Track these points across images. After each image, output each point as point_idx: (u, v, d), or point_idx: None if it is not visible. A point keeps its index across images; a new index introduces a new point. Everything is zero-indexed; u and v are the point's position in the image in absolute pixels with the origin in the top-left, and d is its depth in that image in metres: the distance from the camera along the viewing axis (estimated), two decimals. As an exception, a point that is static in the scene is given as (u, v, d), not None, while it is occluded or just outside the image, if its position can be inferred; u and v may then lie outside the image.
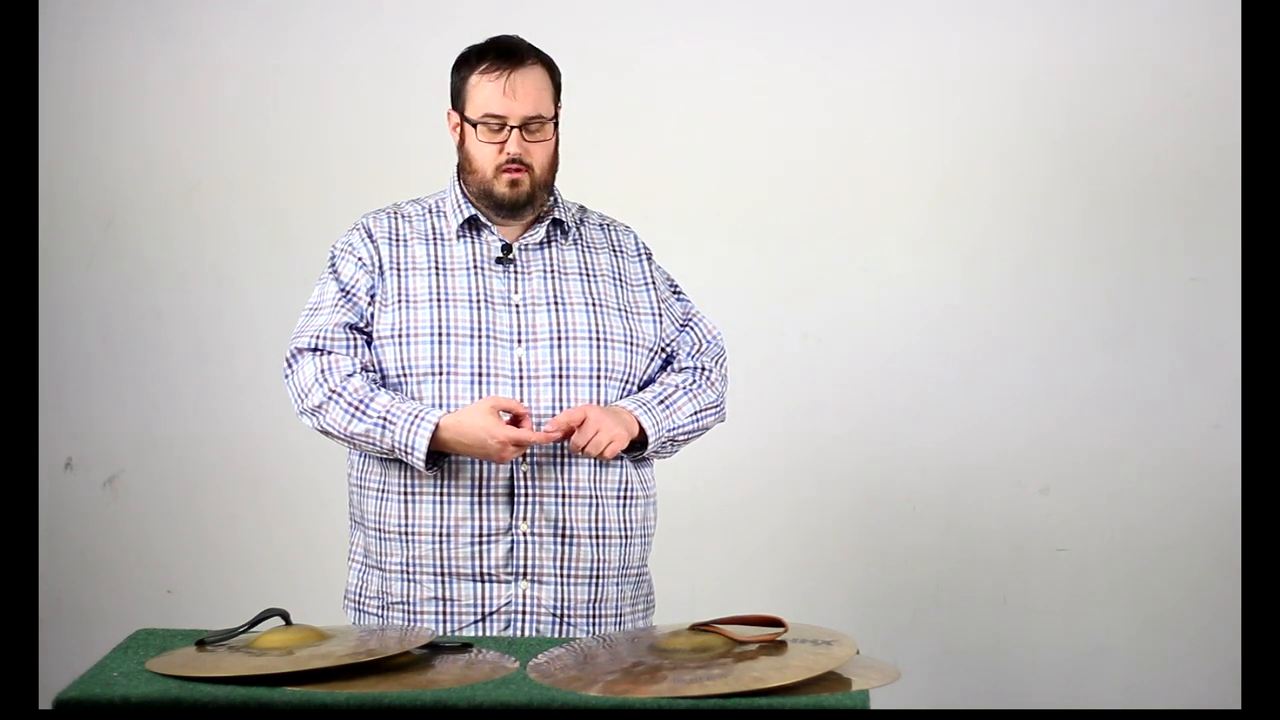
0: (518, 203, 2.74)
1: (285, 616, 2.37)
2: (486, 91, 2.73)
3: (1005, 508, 3.88)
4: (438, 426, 2.62)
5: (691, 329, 2.86)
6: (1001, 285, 3.87)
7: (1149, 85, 3.83)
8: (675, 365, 2.84)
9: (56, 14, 3.89)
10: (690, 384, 2.80)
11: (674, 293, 2.88)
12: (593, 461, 2.71)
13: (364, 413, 2.66)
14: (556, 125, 2.77)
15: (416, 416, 2.64)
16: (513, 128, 2.71)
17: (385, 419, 2.65)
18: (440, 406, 2.67)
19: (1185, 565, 3.85)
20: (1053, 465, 3.87)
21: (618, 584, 2.75)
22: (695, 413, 2.80)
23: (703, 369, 2.83)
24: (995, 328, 3.87)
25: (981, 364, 3.87)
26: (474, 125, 2.73)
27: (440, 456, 2.67)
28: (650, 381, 2.82)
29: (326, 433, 2.71)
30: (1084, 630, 3.87)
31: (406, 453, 2.63)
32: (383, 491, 2.73)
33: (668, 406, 2.76)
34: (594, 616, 2.72)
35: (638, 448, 2.73)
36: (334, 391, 2.68)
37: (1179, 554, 3.86)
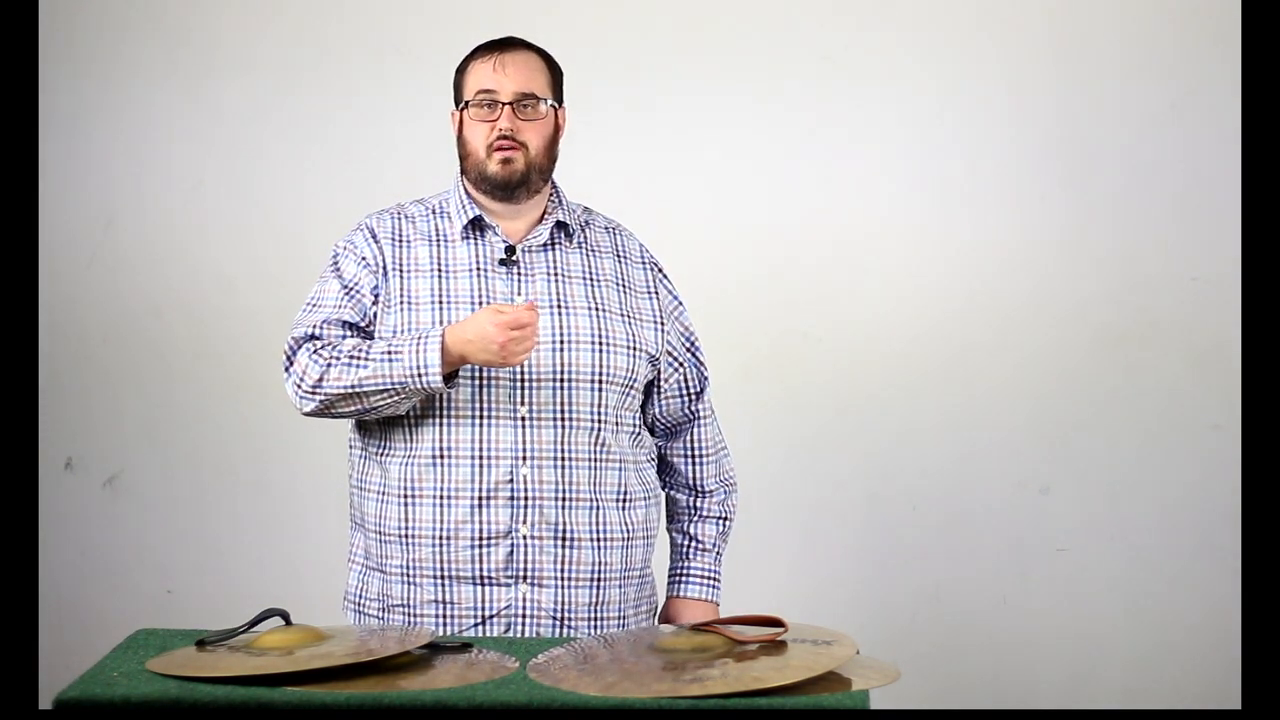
0: (510, 182, 2.72)
1: (285, 616, 2.37)
2: (478, 73, 2.74)
3: (1005, 508, 3.88)
4: (444, 337, 2.58)
5: (695, 356, 2.87)
6: (1001, 285, 3.87)
7: (1149, 85, 3.83)
8: (702, 437, 2.87)
9: (56, 15, 3.89)
10: (725, 504, 2.89)
11: (678, 306, 2.88)
12: (592, 464, 2.70)
13: (365, 358, 2.61)
14: (556, 117, 2.77)
15: (421, 338, 2.59)
16: (504, 104, 2.71)
17: (389, 353, 2.60)
18: (441, 411, 2.67)
19: (1185, 565, 3.86)
20: (1053, 465, 3.88)
21: (620, 586, 2.75)
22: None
23: (724, 477, 2.90)
24: (995, 327, 3.87)
25: (981, 364, 3.87)
26: (468, 107, 2.73)
27: (453, 377, 2.62)
28: (651, 386, 2.82)
29: (332, 406, 2.64)
30: (1084, 630, 3.87)
31: (420, 374, 2.57)
32: (383, 494, 2.72)
33: (721, 554, 2.89)
34: (595, 619, 2.71)
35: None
36: (332, 358, 2.63)
37: (1179, 554, 3.86)
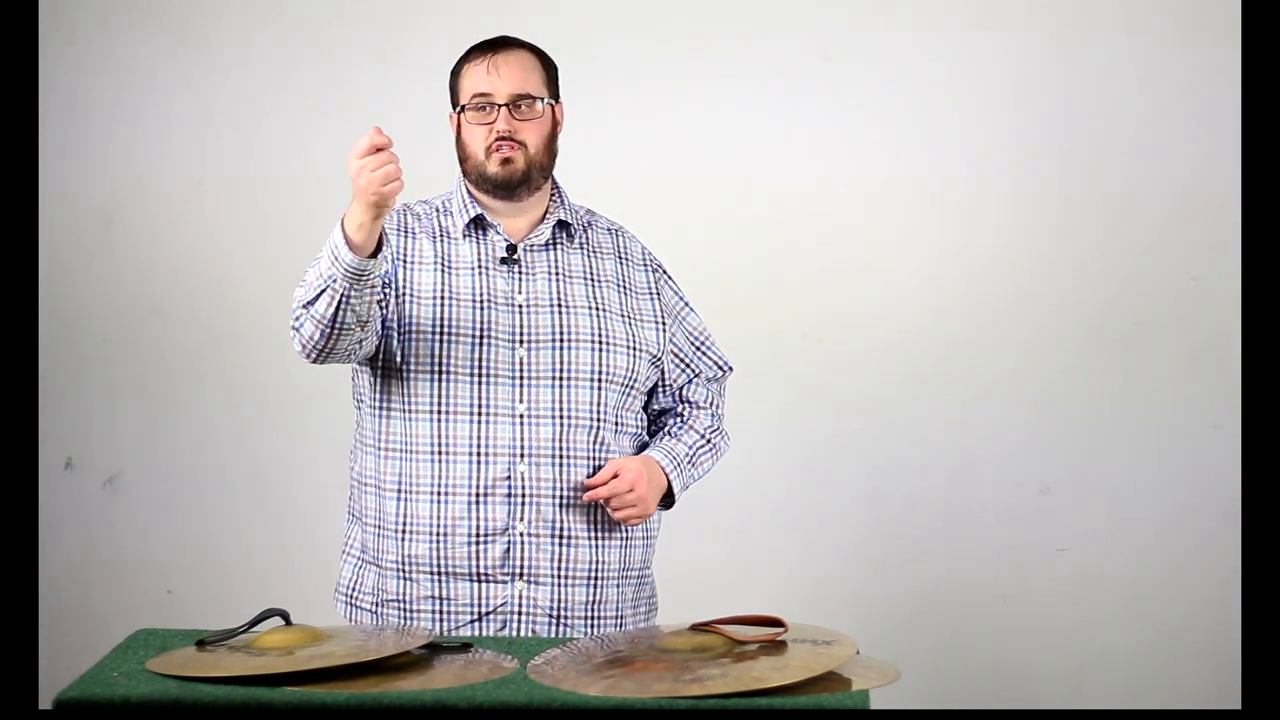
0: (511, 181, 2.73)
1: (285, 616, 2.37)
2: (473, 76, 2.75)
3: (1005, 508, 3.88)
4: (343, 218, 2.51)
5: (707, 352, 2.88)
6: (1001, 285, 3.87)
7: (1149, 85, 3.83)
8: (694, 390, 2.86)
9: (56, 14, 3.89)
10: (714, 434, 2.85)
11: (685, 306, 2.89)
12: (591, 463, 2.71)
13: (308, 270, 2.58)
14: (554, 113, 2.78)
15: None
16: (500, 106, 2.71)
17: (319, 254, 2.56)
18: (439, 407, 2.68)
19: (1185, 565, 3.85)
20: (1053, 465, 3.87)
21: (618, 585, 2.75)
22: (708, 470, 2.86)
23: (718, 421, 2.87)
24: (995, 327, 3.87)
25: (981, 364, 3.87)
26: (465, 111, 2.74)
27: (377, 253, 2.53)
28: (654, 388, 2.83)
29: (310, 335, 2.56)
30: (1084, 630, 3.87)
31: (333, 250, 2.50)
32: (380, 488, 2.73)
33: (694, 464, 2.81)
34: (592, 618, 2.72)
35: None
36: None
37: (1179, 554, 3.86)
